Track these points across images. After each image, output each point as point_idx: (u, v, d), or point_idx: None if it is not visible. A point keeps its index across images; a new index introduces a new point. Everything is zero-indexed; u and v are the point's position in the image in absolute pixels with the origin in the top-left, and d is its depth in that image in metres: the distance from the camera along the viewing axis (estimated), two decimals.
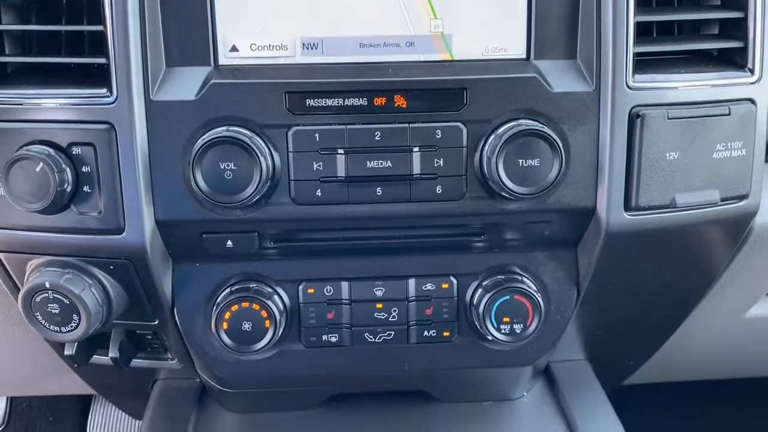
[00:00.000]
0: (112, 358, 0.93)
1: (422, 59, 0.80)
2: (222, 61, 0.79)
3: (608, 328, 1.00)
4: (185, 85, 0.76)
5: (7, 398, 1.80)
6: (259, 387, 0.93)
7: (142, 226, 0.77)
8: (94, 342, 0.94)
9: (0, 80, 0.77)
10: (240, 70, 0.78)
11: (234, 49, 0.79)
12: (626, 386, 1.23)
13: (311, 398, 0.98)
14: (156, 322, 0.88)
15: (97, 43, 0.77)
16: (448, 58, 0.81)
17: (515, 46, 0.81)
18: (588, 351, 1.07)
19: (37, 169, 0.73)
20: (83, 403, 1.89)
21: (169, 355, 0.99)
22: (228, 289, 0.85)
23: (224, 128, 0.75)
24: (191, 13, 0.77)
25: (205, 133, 0.75)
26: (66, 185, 0.74)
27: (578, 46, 0.79)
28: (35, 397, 1.83)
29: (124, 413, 1.87)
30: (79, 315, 0.79)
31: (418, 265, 0.87)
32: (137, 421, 1.88)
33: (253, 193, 0.75)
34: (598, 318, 0.95)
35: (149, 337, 0.96)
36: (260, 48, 0.79)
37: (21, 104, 0.76)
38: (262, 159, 0.74)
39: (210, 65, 0.78)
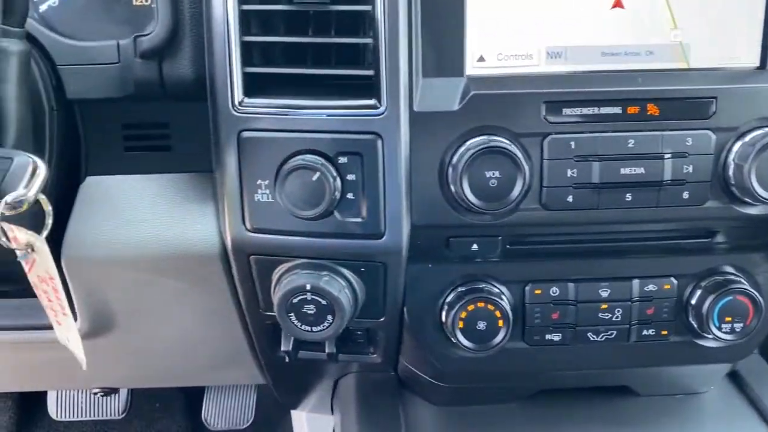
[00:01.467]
0: (328, 354, 0.96)
1: (662, 67, 0.83)
2: (470, 71, 0.81)
3: None
4: (445, 95, 0.79)
5: (128, 390, 1.86)
6: (476, 382, 0.97)
7: (401, 230, 0.80)
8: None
9: (260, 91, 0.80)
10: (490, 80, 0.81)
11: (481, 59, 0.82)
12: None
13: (517, 393, 1.01)
14: (382, 320, 0.91)
15: (350, 55, 0.80)
16: (685, 66, 0.83)
17: (749, 55, 0.84)
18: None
19: (314, 178, 0.76)
20: (186, 393, 1.94)
21: (371, 350, 1.03)
22: (459, 290, 0.88)
23: (485, 137, 0.78)
24: (447, 25, 0.79)
25: (464, 142, 0.78)
26: (336, 193, 0.77)
27: None
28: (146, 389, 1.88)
29: (236, 402, 1.93)
30: (333, 315, 0.83)
31: (640, 266, 0.89)
32: (250, 408, 1.94)
33: (516, 199, 0.78)
34: None
35: (359, 333, 0.99)
36: (506, 57, 0.82)
37: (287, 115, 0.79)
38: (526, 167, 0.77)
39: (462, 76, 0.80)
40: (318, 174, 0.76)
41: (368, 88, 0.78)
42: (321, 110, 0.78)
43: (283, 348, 0.95)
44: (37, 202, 0.66)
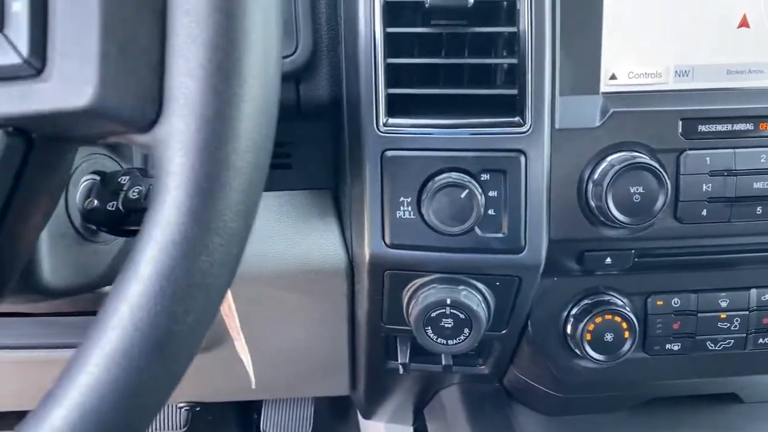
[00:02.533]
0: (445, 366, 0.98)
1: None
2: (603, 88, 0.84)
3: None
4: (584, 112, 0.81)
5: (189, 404, 1.87)
6: (594, 392, 0.99)
7: (540, 245, 0.82)
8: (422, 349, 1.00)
9: (400, 111, 0.82)
10: (625, 98, 0.83)
11: (613, 77, 0.84)
12: None
13: (628, 402, 1.03)
14: (504, 332, 0.93)
15: (482, 74, 0.82)
16: None
17: None
18: None
19: (462, 195, 0.78)
20: (238, 406, 1.96)
21: (480, 361, 1.05)
22: (584, 302, 0.90)
23: (627, 154, 0.80)
24: (585, 45, 0.82)
25: (604, 158, 0.81)
26: (481, 209, 0.79)
27: None
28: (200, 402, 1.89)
29: (294, 413, 1.94)
30: (470, 329, 0.85)
31: (756, 276, 0.92)
32: (308, 419, 1.95)
33: (657, 213, 0.80)
34: None
35: None
36: (637, 76, 0.84)
37: (431, 134, 0.81)
38: (668, 182, 0.79)
39: (597, 93, 0.83)
40: (466, 191, 0.78)
41: (509, 106, 0.80)
42: (464, 129, 0.80)
43: (400, 360, 0.97)
44: None
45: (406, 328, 0.88)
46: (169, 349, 0.38)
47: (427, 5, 0.78)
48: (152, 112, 0.37)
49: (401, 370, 0.99)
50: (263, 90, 0.39)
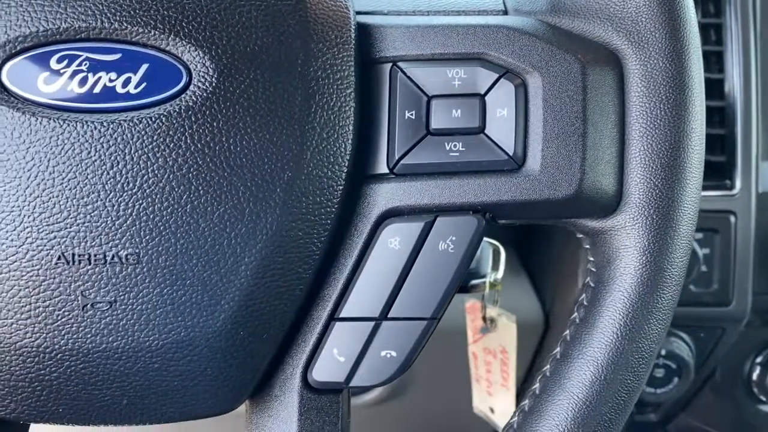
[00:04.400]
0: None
1: None
2: None
3: None
4: None
5: None
6: None
7: (747, 298, 0.90)
8: None
9: None
10: None
11: None
12: None
13: None
14: (692, 379, 0.99)
15: None
16: None
17: None
18: None
19: None
20: None
21: (649, 408, 1.10)
22: None
23: None
24: None
25: None
26: (701, 266, 0.87)
27: None
28: None
29: None
30: (680, 377, 0.91)
31: None
32: None
33: None
34: None
35: None
36: None
37: None
38: None
39: None
40: None
41: (718, 170, 0.88)
42: None
43: None
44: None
45: None
46: None
47: None
48: (614, 201, 0.43)
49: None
50: (699, 181, 0.44)
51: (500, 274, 0.73)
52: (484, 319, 0.77)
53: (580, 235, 0.45)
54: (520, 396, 0.90)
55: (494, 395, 0.83)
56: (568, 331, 0.43)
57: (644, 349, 0.42)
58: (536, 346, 1.04)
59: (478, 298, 0.78)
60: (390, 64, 0.41)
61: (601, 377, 0.41)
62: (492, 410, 0.84)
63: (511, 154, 0.41)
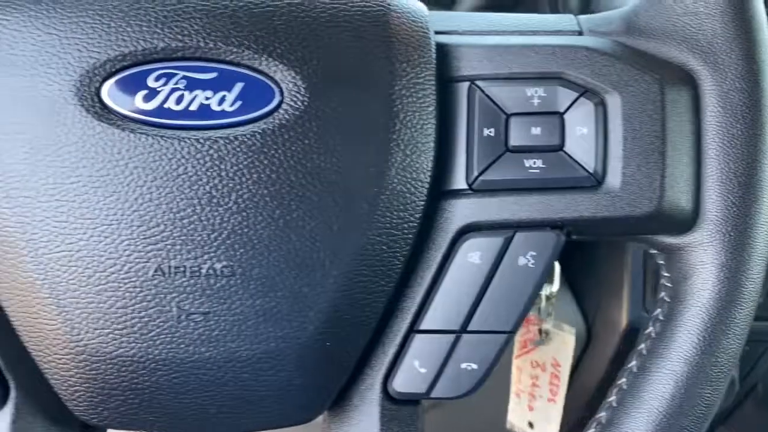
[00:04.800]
0: None
1: None
2: None
3: None
4: None
5: None
6: None
7: None
8: None
9: None
10: None
11: None
12: None
13: None
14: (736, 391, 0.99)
15: None
16: None
17: None
18: None
19: None
20: None
21: None
22: None
23: None
24: None
25: None
26: None
27: None
28: None
29: None
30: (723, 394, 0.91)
31: None
32: None
33: None
34: None
35: None
36: None
37: None
38: None
39: None
40: None
41: None
42: None
43: None
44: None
45: None
46: None
47: None
48: (691, 218, 0.43)
49: None
50: None
51: (555, 287, 0.73)
52: (540, 331, 0.77)
53: (654, 251, 0.45)
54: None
55: (536, 410, 0.83)
56: (643, 345, 0.44)
57: (722, 363, 0.43)
58: (577, 360, 1.04)
59: (534, 311, 0.78)
60: (468, 83, 0.42)
61: (681, 390, 0.42)
62: (531, 425, 0.85)
63: (591, 171, 0.42)
